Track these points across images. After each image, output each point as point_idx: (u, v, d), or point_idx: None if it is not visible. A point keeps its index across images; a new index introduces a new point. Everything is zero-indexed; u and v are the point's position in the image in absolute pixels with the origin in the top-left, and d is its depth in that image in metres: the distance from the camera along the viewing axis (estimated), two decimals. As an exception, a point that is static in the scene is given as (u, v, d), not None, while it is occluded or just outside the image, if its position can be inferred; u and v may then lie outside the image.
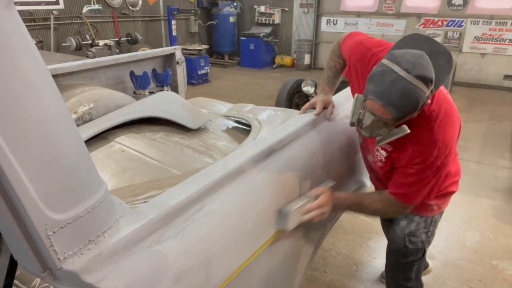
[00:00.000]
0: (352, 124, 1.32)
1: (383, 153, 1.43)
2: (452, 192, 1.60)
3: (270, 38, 9.49)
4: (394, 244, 1.67)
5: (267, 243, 1.24)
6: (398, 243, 1.64)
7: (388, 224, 1.86)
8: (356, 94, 1.32)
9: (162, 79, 3.05)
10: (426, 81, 1.12)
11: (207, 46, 8.38)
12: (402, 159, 1.36)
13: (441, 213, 1.64)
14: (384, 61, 1.18)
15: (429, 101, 1.22)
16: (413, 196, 1.39)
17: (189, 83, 7.53)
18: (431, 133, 1.29)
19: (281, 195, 1.32)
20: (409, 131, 1.23)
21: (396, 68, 1.12)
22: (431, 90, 1.17)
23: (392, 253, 1.72)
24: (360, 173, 2.00)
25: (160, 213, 0.93)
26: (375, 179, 1.72)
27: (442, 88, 1.36)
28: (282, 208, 1.29)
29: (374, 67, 1.21)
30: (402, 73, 1.11)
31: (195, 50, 7.88)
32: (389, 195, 1.41)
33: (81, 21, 7.01)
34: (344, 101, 1.91)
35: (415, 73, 1.11)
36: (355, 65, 1.52)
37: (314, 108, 1.68)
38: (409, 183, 1.36)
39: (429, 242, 1.66)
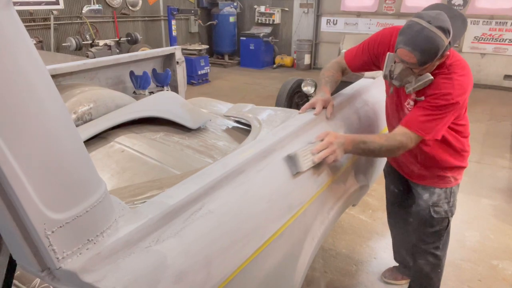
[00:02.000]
0: (385, 76, 1.61)
1: (412, 103, 1.66)
2: (464, 167, 1.83)
3: (270, 38, 9.49)
4: (420, 217, 1.87)
5: (267, 242, 1.24)
6: (424, 215, 1.84)
7: (402, 207, 2.10)
8: (388, 53, 1.60)
9: (162, 79, 3.05)
10: (445, 31, 1.39)
11: (207, 46, 8.39)
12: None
13: (458, 185, 1.86)
14: (412, 18, 1.46)
15: (448, 53, 1.49)
16: (420, 126, 1.52)
17: (189, 83, 7.54)
18: (448, 77, 1.52)
19: (282, 194, 1.32)
20: (432, 77, 1.50)
21: (421, 21, 1.40)
22: (449, 42, 1.43)
23: (420, 226, 1.90)
24: (363, 172, 2.00)
25: (159, 212, 0.93)
26: None
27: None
28: (289, 153, 1.35)
29: (405, 23, 1.49)
30: (425, 24, 1.39)
31: (195, 50, 7.88)
32: (398, 127, 1.57)
33: (81, 21, 7.02)
34: (348, 99, 1.93)
35: (435, 24, 1.39)
36: (391, 42, 1.71)
37: (314, 108, 1.69)
38: (420, 115, 1.53)
39: (452, 212, 1.85)
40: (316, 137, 1.46)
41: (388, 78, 1.59)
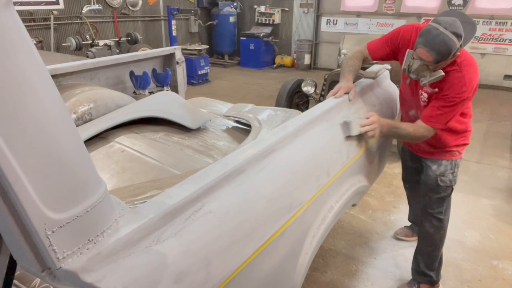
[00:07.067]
0: (404, 70, 1.88)
1: (425, 95, 1.95)
2: (467, 144, 2.14)
3: (270, 38, 9.48)
4: (428, 185, 2.14)
5: (267, 242, 1.24)
6: (432, 184, 2.12)
7: (417, 175, 2.34)
8: (408, 50, 1.86)
9: (162, 79, 3.05)
10: (458, 36, 1.67)
11: (207, 46, 8.38)
12: (438, 95, 1.85)
13: (461, 159, 2.15)
14: (431, 23, 1.73)
15: (459, 53, 1.74)
16: (439, 121, 1.85)
17: (189, 83, 7.53)
18: (461, 75, 1.78)
19: (282, 194, 1.32)
20: (443, 73, 1.77)
21: (439, 27, 1.67)
22: (461, 44, 1.69)
23: (427, 193, 2.17)
24: (363, 172, 2.00)
25: (159, 212, 0.93)
26: (413, 117, 2.17)
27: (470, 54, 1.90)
28: (345, 119, 1.73)
29: (424, 27, 1.76)
30: (442, 30, 1.66)
31: (195, 50, 7.88)
32: (420, 121, 1.89)
33: (81, 21, 7.02)
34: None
35: (451, 30, 1.66)
36: (411, 39, 1.98)
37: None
38: (439, 111, 1.83)
39: (454, 181, 2.13)
40: (364, 114, 1.85)
41: (407, 72, 1.86)
